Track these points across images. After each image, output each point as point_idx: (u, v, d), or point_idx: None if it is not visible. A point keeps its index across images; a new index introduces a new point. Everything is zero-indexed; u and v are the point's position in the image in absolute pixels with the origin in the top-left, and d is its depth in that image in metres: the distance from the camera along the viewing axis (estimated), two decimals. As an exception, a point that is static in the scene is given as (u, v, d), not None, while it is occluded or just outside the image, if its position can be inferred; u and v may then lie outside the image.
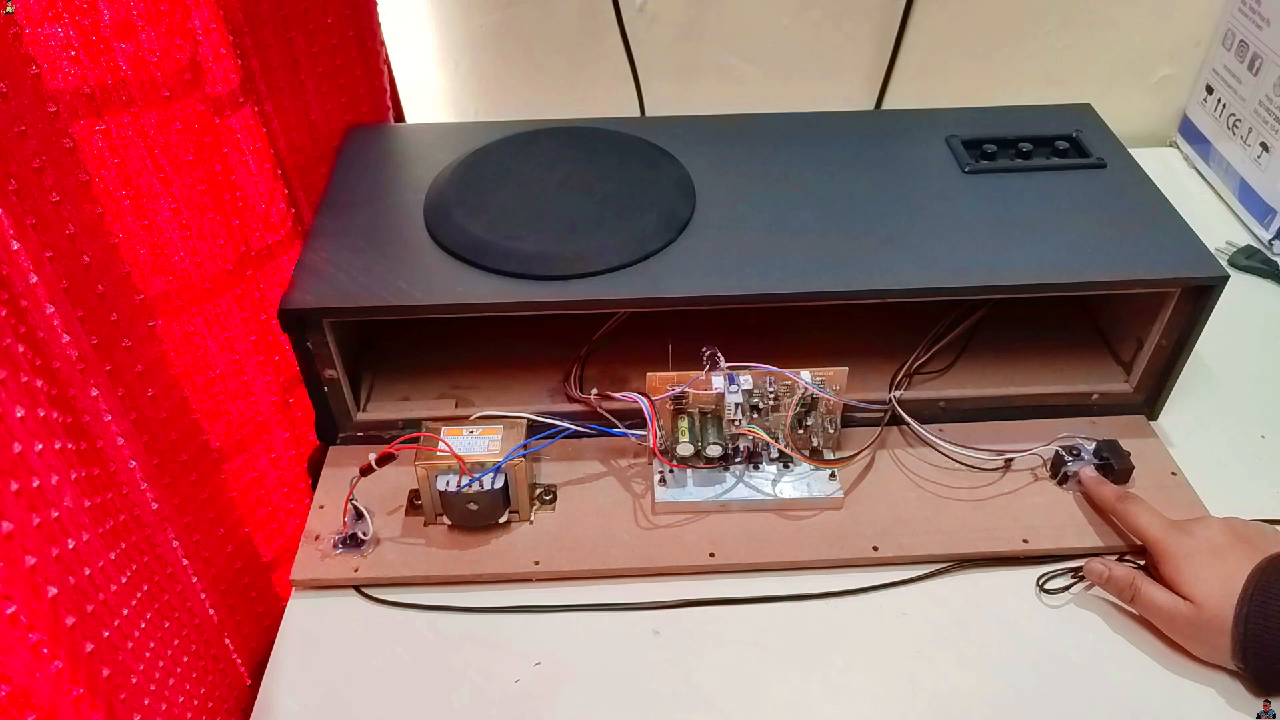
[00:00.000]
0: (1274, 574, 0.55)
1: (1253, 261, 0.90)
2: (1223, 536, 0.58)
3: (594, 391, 0.70)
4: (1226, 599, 0.55)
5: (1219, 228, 0.94)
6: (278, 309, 0.63)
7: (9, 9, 0.43)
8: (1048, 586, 0.63)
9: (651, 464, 0.69)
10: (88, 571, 0.41)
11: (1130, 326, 0.74)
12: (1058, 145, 0.78)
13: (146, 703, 0.46)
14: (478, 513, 0.64)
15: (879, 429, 0.70)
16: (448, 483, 0.63)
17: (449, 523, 0.65)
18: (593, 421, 0.68)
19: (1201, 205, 0.99)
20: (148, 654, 0.47)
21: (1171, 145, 1.08)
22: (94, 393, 0.46)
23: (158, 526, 0.50)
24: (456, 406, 0.73)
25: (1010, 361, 0.76)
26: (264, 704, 0.58)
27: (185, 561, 0.54)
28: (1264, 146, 0.92)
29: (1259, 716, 0.56)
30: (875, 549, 0.64)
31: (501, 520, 0.65)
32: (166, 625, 0.50)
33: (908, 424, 0.70)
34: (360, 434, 0.72)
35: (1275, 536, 0.59)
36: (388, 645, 0.61)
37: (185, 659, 0.52)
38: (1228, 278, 0.65)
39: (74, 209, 0.47)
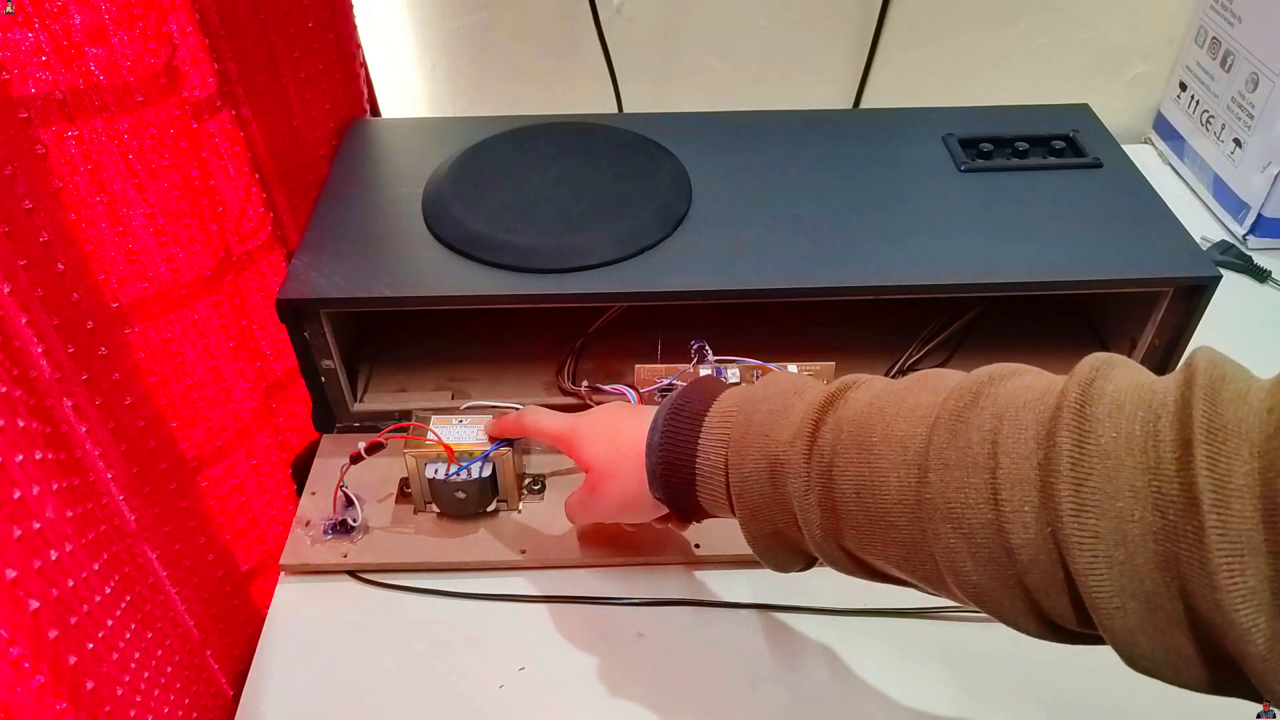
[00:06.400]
0: (681, 401, 0.50)
1: (1228, 256, 0.91)
2: (609, 412, 0.56)
3: (584, 384, 0.71)
4: (615, 451, 0.52)
5: (1194, 224, 0.95)
6: (275, 300, 0.64)
7: (9, 9, 0.43)
8: None
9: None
10: (71, 583, 0.41)
11: (1124, 326, 0.74)
12: (1054, 145, 0.79)
13: (132, 714, 0.45)
14: (465, 501, 0.64)
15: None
16: (436, 471, 0.63)
17: (437, 511, 0.66)
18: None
19: (1176, 201, 0.98)
20: (132, 665, 0.46)
21: (1146, 142, 1.09)
22: (70, 403, 0.45)
23: (138, 537, 0.50)
24: (453, 398, 0.74)
25: (1004, 359, 0.76)
26: (253, 685, 0.59)
27: (164, 572, 0.53)
28: (1237, 143, 0.93)
29: (1259, 716, 0.56)
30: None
31: (490, 509, 0.66)
32: (149, 636, 0.49)
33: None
34: (357, 424, 0.73)
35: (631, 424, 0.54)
36: (375, 628, 0.62)
37: (169, 669, 0.51)
38: (1220, 277, 0.66)
39: (47, 216, 0.46)
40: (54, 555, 0.40)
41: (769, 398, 0.46)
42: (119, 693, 0.44)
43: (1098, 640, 0.35)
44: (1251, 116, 0.91)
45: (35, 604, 0.38)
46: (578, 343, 0.76)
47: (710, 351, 0.65)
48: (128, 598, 0.47)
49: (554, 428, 0.57)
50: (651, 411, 0.51)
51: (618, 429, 0.53)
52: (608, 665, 0.60)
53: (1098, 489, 0.32)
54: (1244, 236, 0.93)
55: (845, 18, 0.99)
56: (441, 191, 0.73)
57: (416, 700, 0.58)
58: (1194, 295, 0.67)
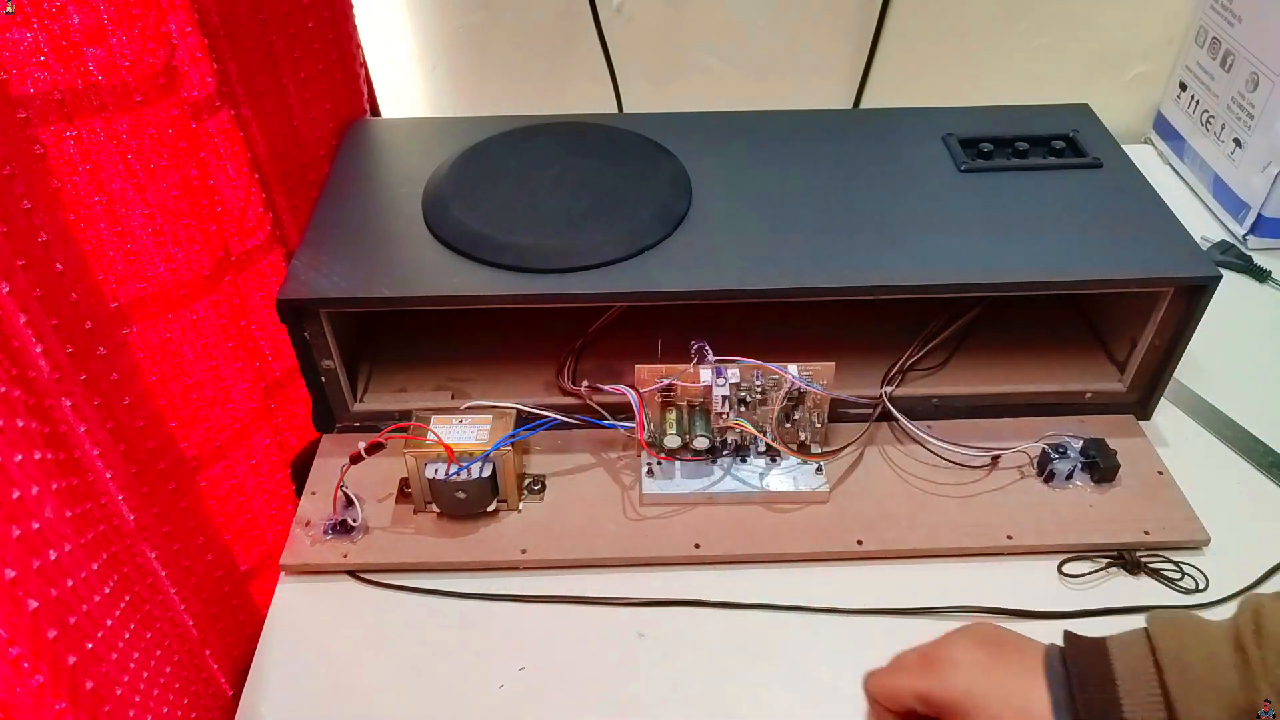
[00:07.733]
0: (1080, 650, 0.49)
1: (1228, 256, 0.91)
2: (974, 649, 0.51)
3: (584, 384, 0.71)
4: (1001, 699, 0.48)
5: (1194, 224, 0.95)
6: (275, 300, 0.64)
7: (8, 9, 0.43)
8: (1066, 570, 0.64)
9: (640, 456, 0.69)
10: (70, 583, 0.41)
11: (1124, 326, 0.74)
12: (1054, 145, 0.78)
13: (131, 714, 0.45)
14: (465, 501, 0.64)
15: (868, 424, 0.71)
16: (436, 470, 0.63)
17: (438, 510, 0.66)
18: (586, 414, 0.69)
19: (1176, 201, 0.98)
20: (131, 665, 0.46)
21: (1146, 142, 1.09)
22: (68, 402, 0.45)
23: (137, 536, 0.50)
24: (453, 398, 0.74)
25: (1004, 360, 0.76)
26: (253, 685, 0.59)
27: (163, 572, 0.53)
28: (1236, 142, 0.93)
29: (1259, 716, 0.56)
30: (859, 543, 0.65)
31: (490, 509, 0.66)
32: (148, 636, 0.49)
33: (897, 420, 0.71)
34: (357, 424, 0.73)
35: (1011, 633, 0.52)
36: (375, 628, 0.62)
37: (168, 669, 0.51)
38: (1220, 277, 0.66)
39: (46, 216, 0.46)
40: (53, 555, 0.40)
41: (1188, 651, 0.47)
42: (118, 693, 0.44)
43: None
44: (1251, 116, 0.91)
45: (34, 604, 0.38)
46: (578, 343, 0.77)
47: (710, 351, 0.65)
48: (127, 598, 0.47)
49: (919, 687, 0.51)
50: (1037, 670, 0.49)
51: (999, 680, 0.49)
52: (608, 665, 0.60)
53: None
54: (1244, 236, 0.93)
55: (845, 18, 0.99)
56: (441, 191, 0.73)
57: (416, 700, 0.58)
58: (1194, 295, 0.67)
